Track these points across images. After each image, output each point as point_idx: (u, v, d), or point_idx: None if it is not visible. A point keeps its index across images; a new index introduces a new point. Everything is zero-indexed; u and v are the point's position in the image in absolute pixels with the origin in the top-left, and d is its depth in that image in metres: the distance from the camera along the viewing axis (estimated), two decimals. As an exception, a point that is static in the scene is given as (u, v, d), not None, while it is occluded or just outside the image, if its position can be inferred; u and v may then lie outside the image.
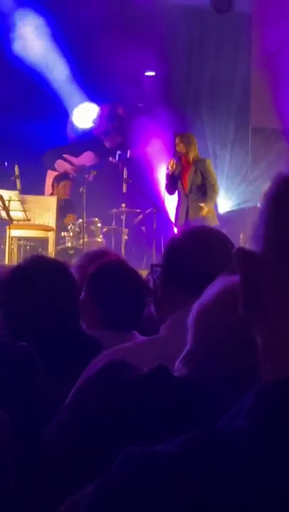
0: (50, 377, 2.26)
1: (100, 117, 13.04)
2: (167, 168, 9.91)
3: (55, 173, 12.89)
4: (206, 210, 9.75)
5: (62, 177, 12.28)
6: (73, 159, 13.20)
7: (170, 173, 9.81)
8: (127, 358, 2.25)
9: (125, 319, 3.01)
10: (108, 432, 1.55)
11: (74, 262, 3.94)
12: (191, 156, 9.83)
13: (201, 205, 9.79)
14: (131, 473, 0.85)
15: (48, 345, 2.50)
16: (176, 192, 10.02)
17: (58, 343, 2.58)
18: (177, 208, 10.07)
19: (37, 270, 2.66)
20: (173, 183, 9.89)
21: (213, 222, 9.23)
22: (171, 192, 10.06)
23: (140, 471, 0.84)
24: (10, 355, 2.26)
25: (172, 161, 9.79)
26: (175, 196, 10.15)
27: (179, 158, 9.86)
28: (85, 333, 2.82)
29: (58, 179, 12.19)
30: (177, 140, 9.87)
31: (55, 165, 13.06)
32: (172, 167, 9.77)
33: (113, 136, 13.12)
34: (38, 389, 2.21)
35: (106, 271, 3.13)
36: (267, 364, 0.91)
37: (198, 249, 2.29)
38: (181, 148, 9.81)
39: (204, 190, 9.89)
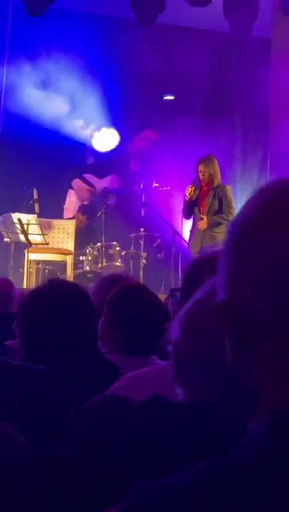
0: (67, 402, 2.24)
1: (137, 139, 13.11)
2: (185, 196, 9.80)
3: (73, 193, 12.97)
4: (205, 222, 9.51)
5: (86, 209, 12.30)
6: (96, 181, 13.26)
7: (187, 199, 9.69)
8: (147, 383, 2.24)
9: (145, 344, 3.00)
10: (107, 467, 1.54)
11: (91, 286, 3.93)
12: (216, 182, 9.69)
13: (202, 216, 9.58)
14: (143, 506, 0.84)
15: (66, 369, 2.49)
16: (192, 216, 9.89)
17: (76, 367, 2.56)
18: (191, 232, 9.93)
19: (55, 293, 2.65)
20: (190, 208, 9.78)
21: None
22: (187, 217, 9.94)
23: (153, 504, 0.84)
24: (30, 378, 2.25)
25: (190, 188, 9.65)
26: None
27: (199, 183, 9.75)
28: (103, 358, 2.81)
29: (82, 210, 12.24)
30: (202, 168, 9.67)
31: (72, 183, 13.12)
32: (190, 194, 9.65)
33: (141, 160, 13.16)
34: (59, 413, 2.20)
35: (127, 295, 3.13)
36: (269, 396, 0.90)
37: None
38: (206, 177, 9.63)
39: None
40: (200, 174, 9.68)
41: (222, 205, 9.66)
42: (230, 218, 9.79)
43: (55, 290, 2.67)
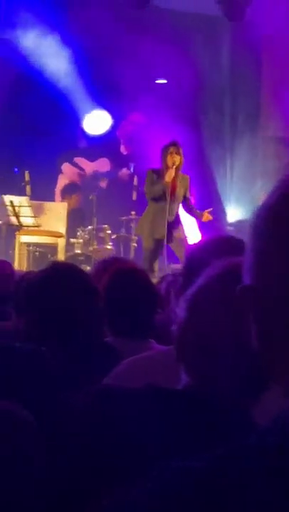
0: (67, 384, 2.24)
1: (126, 123, 13.06)
2: (164, 178, 9.03)
3: (63, 177, 12.94)
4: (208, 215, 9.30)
5: (72, 189, 12.28)
6: (88, 164, 13.22)
7: (167, 183, 9.01)
8: (148, 367, 2.24)
9: (137, 327, 3.00)
10: (102, 457, 1.52)
11: (90, 270, 3.94)
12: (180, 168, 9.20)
13: (204, 213, 9.29)
14: (167, 487, 0.84)
15: (69, 351, 2.49)
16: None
17: (80, 350, 2.56)
18: (152, 217, 9.21)
19: (64, 277, 2.63)
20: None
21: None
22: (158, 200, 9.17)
23: (176, 486, 0.84)
24: (17, 358, 2.26)
25: (173, 172, 9.02)
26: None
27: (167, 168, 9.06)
28: (105, 342, 2.81)
29: (68, 191, 12.21)
30: (180, 152, 9.12)
31: (62, 167, 13.08)
32: (170, 179, 9.02)
33: (132, 144, 13.11)
34: (51, 391, 2.20)
35: (120, 278, 3.13)
36: None
37: (219, 257, 2.27)
38: (180, 160, 9.07)
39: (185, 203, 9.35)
40: (177, 159, 9.10)
41: (186, 193, 9.27)
42: None
43: (64, 274, 2.65)
